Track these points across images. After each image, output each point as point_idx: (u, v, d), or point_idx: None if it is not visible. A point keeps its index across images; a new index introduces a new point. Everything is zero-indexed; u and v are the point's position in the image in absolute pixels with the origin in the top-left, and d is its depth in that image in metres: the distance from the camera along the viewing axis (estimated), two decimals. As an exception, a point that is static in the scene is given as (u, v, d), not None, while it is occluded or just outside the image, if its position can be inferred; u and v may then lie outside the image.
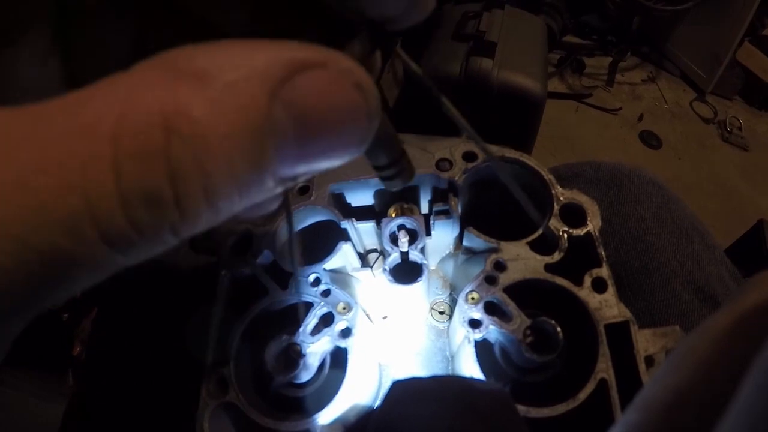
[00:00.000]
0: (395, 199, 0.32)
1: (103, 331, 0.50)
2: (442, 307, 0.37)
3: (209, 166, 0.12)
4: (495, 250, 0.27)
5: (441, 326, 0.35)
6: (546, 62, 1.52)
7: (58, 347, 1.05)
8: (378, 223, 0.31)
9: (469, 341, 0.24)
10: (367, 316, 0.31)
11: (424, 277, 0.27)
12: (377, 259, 0.34)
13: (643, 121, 2.13)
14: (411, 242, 0.28)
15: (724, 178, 1.94)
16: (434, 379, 0.26)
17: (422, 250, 0.28)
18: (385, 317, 0.33)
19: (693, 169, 1.95)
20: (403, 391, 0.24)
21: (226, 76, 0.12)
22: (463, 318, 0.25)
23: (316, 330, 0.25)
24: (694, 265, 0.43)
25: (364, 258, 0.34)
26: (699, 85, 2.29)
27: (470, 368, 0.25)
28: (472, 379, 0.25)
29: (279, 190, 0.14)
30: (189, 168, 0.11)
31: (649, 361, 0.27)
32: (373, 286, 0.32)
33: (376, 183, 0.32)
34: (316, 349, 0.25)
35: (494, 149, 0.34)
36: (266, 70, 0.12)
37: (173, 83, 0.11)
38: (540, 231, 0.29)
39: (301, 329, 0.25)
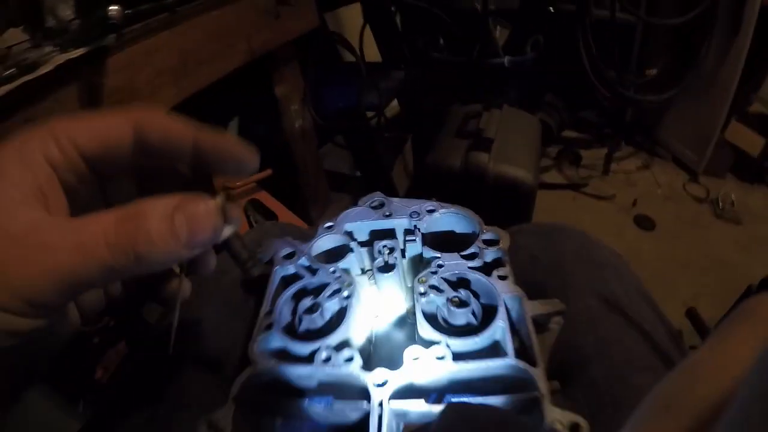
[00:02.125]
0: (385, 233, 0.51)
1: (132, 364, 0.58)
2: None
3: (145, 235, 0.26)
4: (439, 257, 0.46)
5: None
6: (539, 155, 1.72)
7: (79, 370, 1.09)
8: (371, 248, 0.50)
9: (417, 302, 0.42)
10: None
11: (398, 269, 0.45)
12: (372, 275, 0.52)
13: (637, 205, 2.24)
14: (390, 253, 0.46)
15: (719, 252, 2.00)
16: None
17: (396, 258, 0.46)
18: (376, 316, 0.51)
19: (687, 248, 2.03)
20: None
21: (159, 203, 0.27)
22: (416, 291, 0.43)
23: (330, 296, 0.43)
24: (602, 285, 0.59)
25: (363, 272, 0.53)
26: (691, 167, 2.41)
27: (421, 325, 0.42)
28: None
29: (191, 252, 0.28)
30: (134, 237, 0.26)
31: (537, 323, 0.43)
32: (368, 292, 0.50)
33: (370, 225, 0.51)
34: (329, 306, 0.42)
35: (453, 209, 0.53)
36: (176, 200, 0.28)
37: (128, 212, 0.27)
38: (472, 250, 0.47)
39: (322, 294, 0.43)
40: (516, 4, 2.32)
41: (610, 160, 2.44)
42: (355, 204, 0.56)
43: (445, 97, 2.20)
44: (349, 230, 0.52)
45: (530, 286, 0.59)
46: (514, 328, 0.44)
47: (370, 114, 1.56)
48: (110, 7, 0.64)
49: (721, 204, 2.24)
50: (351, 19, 2.00)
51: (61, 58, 0.62)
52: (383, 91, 1.61)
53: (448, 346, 0.40)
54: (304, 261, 0.48)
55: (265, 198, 1.47)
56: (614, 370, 0.51)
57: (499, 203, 1.52)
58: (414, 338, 0.44)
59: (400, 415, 0.38)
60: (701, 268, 1.96)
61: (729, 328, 0.19)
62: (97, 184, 0.33)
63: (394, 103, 1.98)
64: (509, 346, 0.41)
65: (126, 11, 0.67)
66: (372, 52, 1.84)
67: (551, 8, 2.38)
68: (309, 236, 0.66)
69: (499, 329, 0.41)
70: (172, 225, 0.27)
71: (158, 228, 0.27)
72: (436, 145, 1.67)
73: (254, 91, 1.32)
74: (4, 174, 0.27)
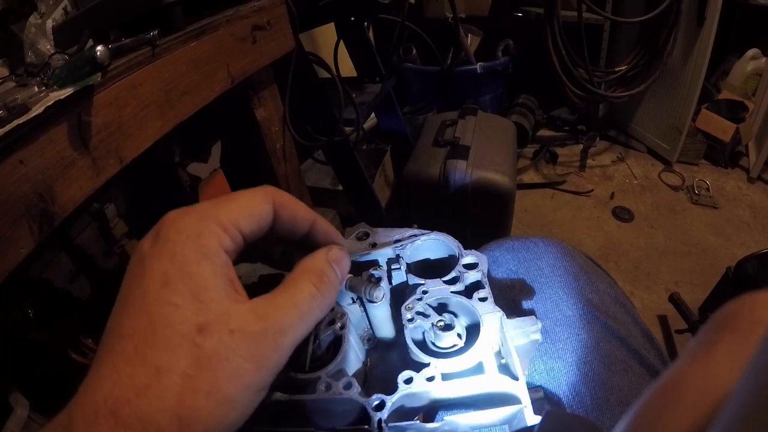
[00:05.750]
0: (370, 264, 0.55)
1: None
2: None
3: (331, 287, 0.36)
4: (423, 284, 0.50)
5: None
6: (515, 158, 1.77)
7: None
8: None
9: (405, 328, 0.46)
10: (360, 337, 0.52)
11: (385, 298, 0.48)
12: (362, 304, 0.55)
13: (614, 198, 2.31)
14: (379, 281, 0.50)
15: (697, 237, 2.08)
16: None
17: (384, 287, 0.50)
18: (369, 340, 0.55)
19: (666, 235, 2.10)
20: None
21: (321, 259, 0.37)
22: (404, 318, 0.47)
23: (326, 328, 0.47)
24: (579, 294, 0.63)
25: (354, 302, 0.56)
26: (665, 157, 2.50)
27: (411, 349, 0.46)
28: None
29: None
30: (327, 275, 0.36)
31: (516, 339, 0.47)
32: (360, 321, 0.54)
33: (357, 257, 0.55)
34: (325, 338, 0.46)
35: (433, 235, 0.57)
36: (325, 252, 0.38)
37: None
38: (453, 274, 0.51)
39: (317, 327, 0.47)
40: (485, 11, 2.38)
41: (585, 156, 2.52)
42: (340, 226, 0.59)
43: (423, 106, 2.26)
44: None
45: (510, 301, 0.63)
46: (496, 346, 0.48)
47: (348, 129, 1.58)
48: (97, 48, 0.64)
49: (696, 190, 2.32)
50: (325, 37, 2.04)
51: (50, 99, 0.63)
52: (360, 105, 1.63)
53: (436, 367, 0.44)
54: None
55: (252, 218, 1.50)
56: (594, 374, 0.55)
57: (479, 208, 1.57)
58: (405, 360, 0.48)
59: (397, 434, 0.42)
60: (681, 254, 2.03)
61: (710, 337, 0.18)
62: None
63: (372, 115, 2.01)
64: (492, 363, 0.45)
65: (110, 46, 0.67)
66: (347, 68, 1.87)
67: (519, 13, 2.43)
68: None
69: (481, 349, 0.45)
70: (335, 271, 0.37)
71: (334, 278, 0.37)
72: (415, 156, 1.71)
73: (235, 115, 1.35)
74: (200, 276, 0.29)
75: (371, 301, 0.47)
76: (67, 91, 0.66)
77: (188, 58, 0.95)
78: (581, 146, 2.55)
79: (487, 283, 0.50)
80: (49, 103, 0.63)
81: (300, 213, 0.38)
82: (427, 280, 0.51)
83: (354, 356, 0.48)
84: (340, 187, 1.70)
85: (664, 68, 2.28)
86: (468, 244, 0.56)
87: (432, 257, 0.56)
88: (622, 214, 2.23)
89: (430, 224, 0.59)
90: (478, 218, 1.57)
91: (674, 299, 1.74)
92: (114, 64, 0.76)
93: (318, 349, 0.46)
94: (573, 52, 2.21)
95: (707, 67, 2.22)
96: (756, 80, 2.42)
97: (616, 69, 2.42)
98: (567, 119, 2.78)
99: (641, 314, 0.68)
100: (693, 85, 2.27)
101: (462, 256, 0.52)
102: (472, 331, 0.47)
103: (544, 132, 2.82)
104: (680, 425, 0.16)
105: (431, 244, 0.55)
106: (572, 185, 2.43)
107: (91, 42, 0.83)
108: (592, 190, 2.39)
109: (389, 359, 0.52)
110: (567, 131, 2.77)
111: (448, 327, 0.47)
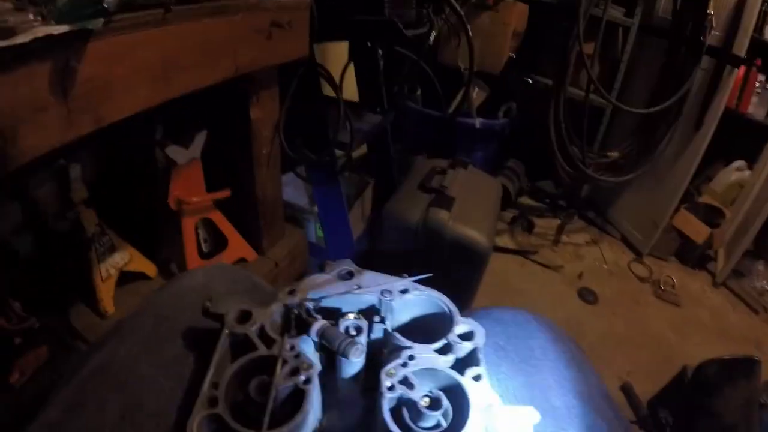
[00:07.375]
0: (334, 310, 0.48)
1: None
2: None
3: None
4: (410, 348, 0.43)
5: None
6: (496, 219, 1.74)
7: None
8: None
9: (383, 397, 0.39)
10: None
11: (362, 356, 0.42)
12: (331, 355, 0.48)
13: (582, 278, 2.31)
14: (358, 334, 0.43)
15: (656, 331, 2.09)
16: None
17: (363, 342, 0.43)
18: (334, 403, 0.47)
19: (626, 324, 2.11)
20: None
21: None
22: (383, 384, 0.40)
23: (286, 378, 0.39)
24: (570, 385, 0.57)
25: (322, 349, 0.49)
26: (637, 248, 2.53)
27: (387, 424, 0.39)
28: None
29: None
30: None
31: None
32: (327, 376, 0.46)
33: (338, 300, 0.48)
34: (283, 389, 0.38)
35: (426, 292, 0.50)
36: None
37: None
38: (444, 341, 0.45)
39: (277, 373, 0.39)
40: (497, 69, 2.38)
41: (561, 232, 2.52)
42: (315, 254, 0.52)
43: (415, 147, 2.22)
44: (313, 300, 0.47)
45: (496, 380, 0.57)
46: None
47: (338, 153, 1.53)
48: None
49: (662, 285, 2.33)
50: (336, 55, 1.99)
51: (41, 31, 0.57)
52: (357, 132, 1.58)
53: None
54: (259, 327, 0.44)
55: (219, 219, 1.43)
56: None
57: (454, 262, 1.52)
58: (370, 428, 0.41)
59: None
60: (638, 345, 2.02)
61: None
62: None
63: (363, 144, 1.95)
64: (475, 453, 0.38)
65: (123, -3, 0.60)
66: (349, 91, 1.83)
67: (530, 80, 2.45)
68: (261, 289, 0.62)
69: (467, 437, 0.38)
70: None
71: None
72: (397, 196, 1.67)
73: (229, 109, 1.29)
74: None
75: (345, 358, 0.40)
76: (63, 28, 0.59)
77: (198, 34, 0.89)
78: (559, 221, 2.55)
79: (483, 359, 0.44)
80: (39, 35, 0.56)
81: None
82: (415, 344, 0.44)
83: (314, 420, 0.41)
84: (316, 209, 1.64)
85: (654, 162, 2.31)
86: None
87: (418, 315, 0.50)
88: (587, 296, 2.22)
89: (400, 268, 0.53)
90: (450, 272, 1.52)
91: (626, 389, 1.71)
92: (120, 16, 0.70)
93: (271, 401, 0.38)
94: (571, 129, 2.23)
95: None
96: (737, 190, 2.48)
97: (609, 153, 2.45)
98: (550, 192, 2.80)
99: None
100: (678, 184, 2.31)
101: (457, 323, 0.46)
102: (458, 409, 0.41)
103: (525, 200, 2.82)
104: None
105: (422, 301, 0.49)
106: (544, 257, 2.42)
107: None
108: (562, 266, 2.38)
109: (349, 423, 0.45)
110: (548, 203, 2.79)
111: (435, 404, 0.40)
